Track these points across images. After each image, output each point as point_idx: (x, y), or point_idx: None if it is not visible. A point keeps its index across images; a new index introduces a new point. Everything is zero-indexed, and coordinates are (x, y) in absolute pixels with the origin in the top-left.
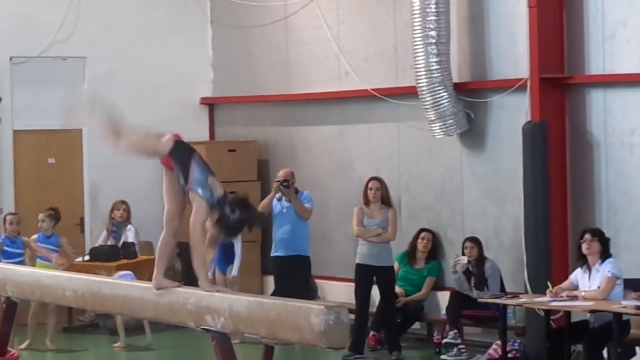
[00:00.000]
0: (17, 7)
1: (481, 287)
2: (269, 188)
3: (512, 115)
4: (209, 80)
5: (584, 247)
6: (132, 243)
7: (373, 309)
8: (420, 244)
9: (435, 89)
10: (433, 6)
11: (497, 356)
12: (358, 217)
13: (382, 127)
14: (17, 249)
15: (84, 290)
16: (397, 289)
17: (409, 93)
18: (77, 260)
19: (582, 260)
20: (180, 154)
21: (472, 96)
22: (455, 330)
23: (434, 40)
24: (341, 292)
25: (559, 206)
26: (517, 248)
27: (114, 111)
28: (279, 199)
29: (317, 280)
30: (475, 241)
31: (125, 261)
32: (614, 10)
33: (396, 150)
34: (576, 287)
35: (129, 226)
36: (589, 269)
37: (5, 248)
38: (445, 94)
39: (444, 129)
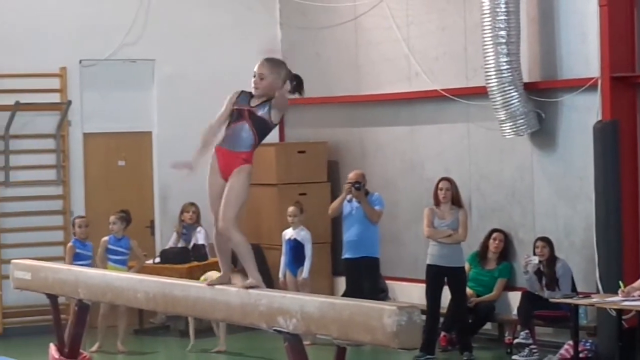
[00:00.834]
0: (87, 10)
1: (552, 287)
2: (339, 189)
3: (582, 114)
4: None
5: None
6: (203, 245)
7: (444, 310)
8: (492, 245)
9: (506, 88)
10: (503, 6)
11: (569, 356)
12: (429, 218)
13: (452, 127)
14: (87, 252)
15: (156, 292)
16: (468, 291)
17: (479, 93)
18: (147, 262)
19: None
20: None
21: (542, 96)
22: (527, 331)
23: (504, 40)
24: (412, 293)
25: (631, 205)
26: (588, 247)
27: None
28: (349, 200)
29: (388, 281)
30: (546, 241)
31: (195, 263)
32: None
33: (466, 151)
34: None
35: (198, 228)
36: None
37: (77, 250)
38: (515, 93)
39: (515, 129)
